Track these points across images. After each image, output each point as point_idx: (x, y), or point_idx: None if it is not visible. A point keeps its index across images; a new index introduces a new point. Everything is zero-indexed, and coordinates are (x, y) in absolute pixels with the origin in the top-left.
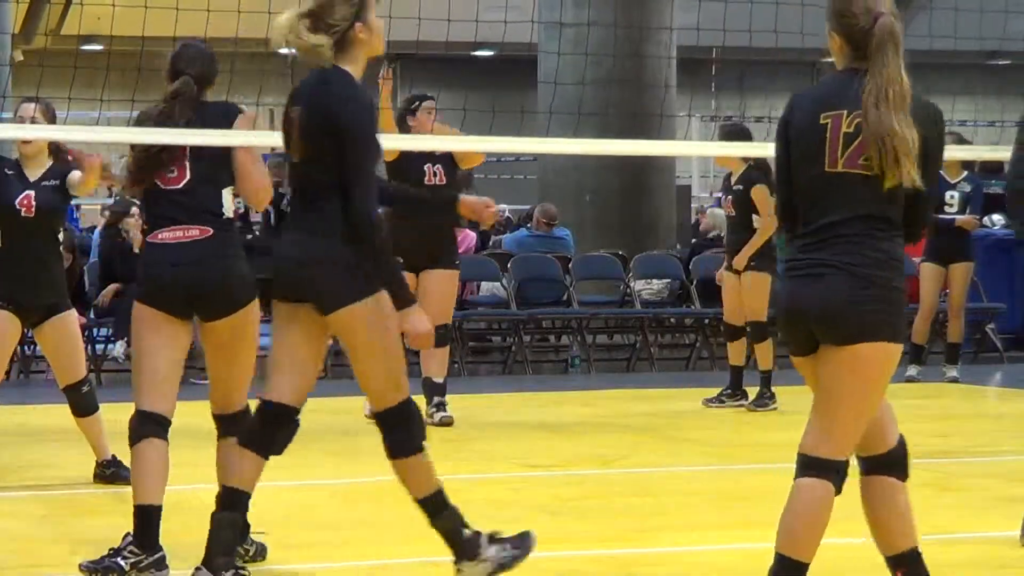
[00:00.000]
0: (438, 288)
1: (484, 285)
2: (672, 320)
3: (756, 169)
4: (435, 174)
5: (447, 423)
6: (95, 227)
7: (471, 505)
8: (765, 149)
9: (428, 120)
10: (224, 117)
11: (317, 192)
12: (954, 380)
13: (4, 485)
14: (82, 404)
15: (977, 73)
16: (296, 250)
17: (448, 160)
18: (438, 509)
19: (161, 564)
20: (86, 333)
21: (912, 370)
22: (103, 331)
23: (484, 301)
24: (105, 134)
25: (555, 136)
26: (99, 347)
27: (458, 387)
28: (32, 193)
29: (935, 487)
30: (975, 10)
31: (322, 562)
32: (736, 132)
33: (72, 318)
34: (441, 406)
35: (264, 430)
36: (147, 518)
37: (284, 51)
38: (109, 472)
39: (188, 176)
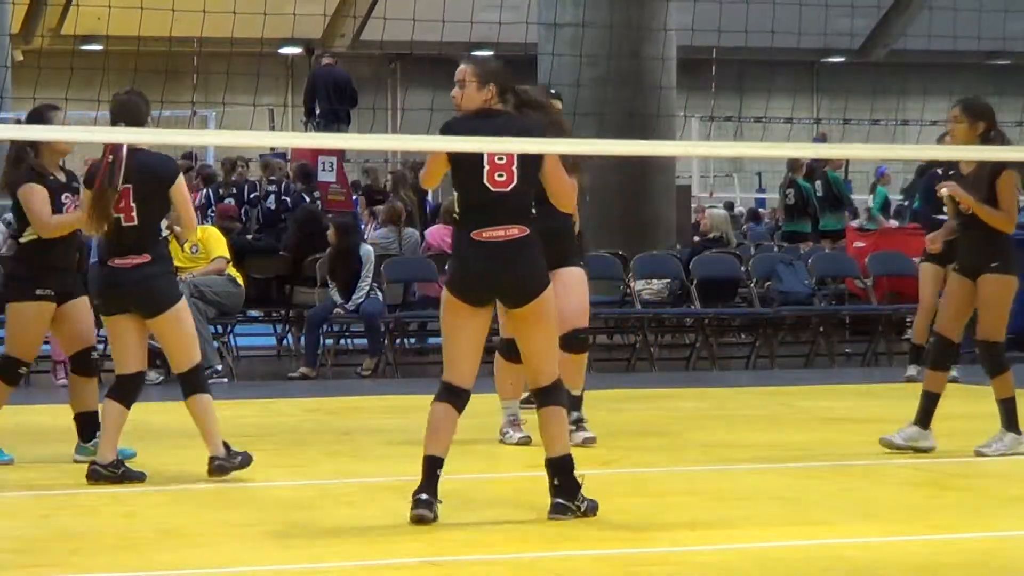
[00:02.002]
0: (575, 286)
1: None
2: (672, 320)
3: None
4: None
5: (591, 444)
6: None
7: (473, 505)
8: (764, 149)
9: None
10: (530, 131)
11: None
12: (954, 380)
13: (4, 485)
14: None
15: (976, 73)
16: None
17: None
18: None
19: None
20: None
21: (912, 370)
22: (103, 331)
23: None
24: (103, 134)
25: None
26: (99, 347)
27: None
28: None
29: (935, 487)
30: (974, 10)
31: (320, 562)
32: None
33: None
34: (580, 424)
35: None
36: (431, 466)
37: (282, 51)
38: (120, 472)
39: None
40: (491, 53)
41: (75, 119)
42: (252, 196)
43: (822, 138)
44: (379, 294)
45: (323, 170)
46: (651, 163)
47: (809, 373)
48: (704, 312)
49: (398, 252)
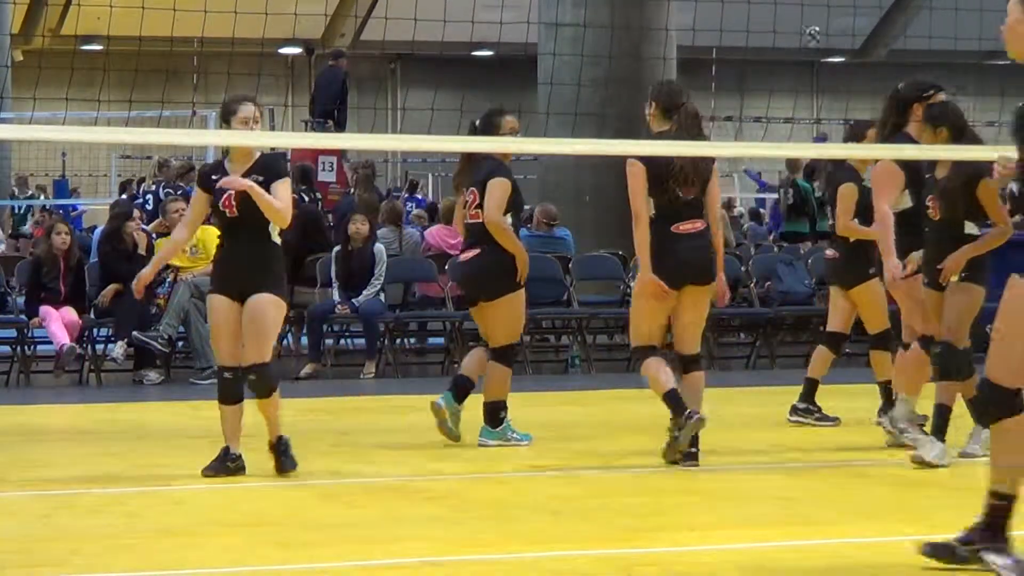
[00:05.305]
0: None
1: None
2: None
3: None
4: None
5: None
6: (95, 227)
7: (472, 504)
8: (764, 149)
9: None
10: None
11: None
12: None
13: (4, 485)
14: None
15: (976, 73)
16: None
17: None
18: None
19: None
20: (86, 333)
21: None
22: (103, 331)
23: None
24: (103, 134)
25: (554, 136)
26: (99, 347)
27: None
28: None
29: (935, 487)
30: (974, 10)
31: (320, 562)
32: None
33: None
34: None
35: None
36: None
37: (283, 51)
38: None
39: None
40: (490, 53)
41: (75, 119)
42: None
43: (823, 138)
44: (381, 294)
45: (323, 170)
46: None
47: None
48: None
49: (398, 252)
